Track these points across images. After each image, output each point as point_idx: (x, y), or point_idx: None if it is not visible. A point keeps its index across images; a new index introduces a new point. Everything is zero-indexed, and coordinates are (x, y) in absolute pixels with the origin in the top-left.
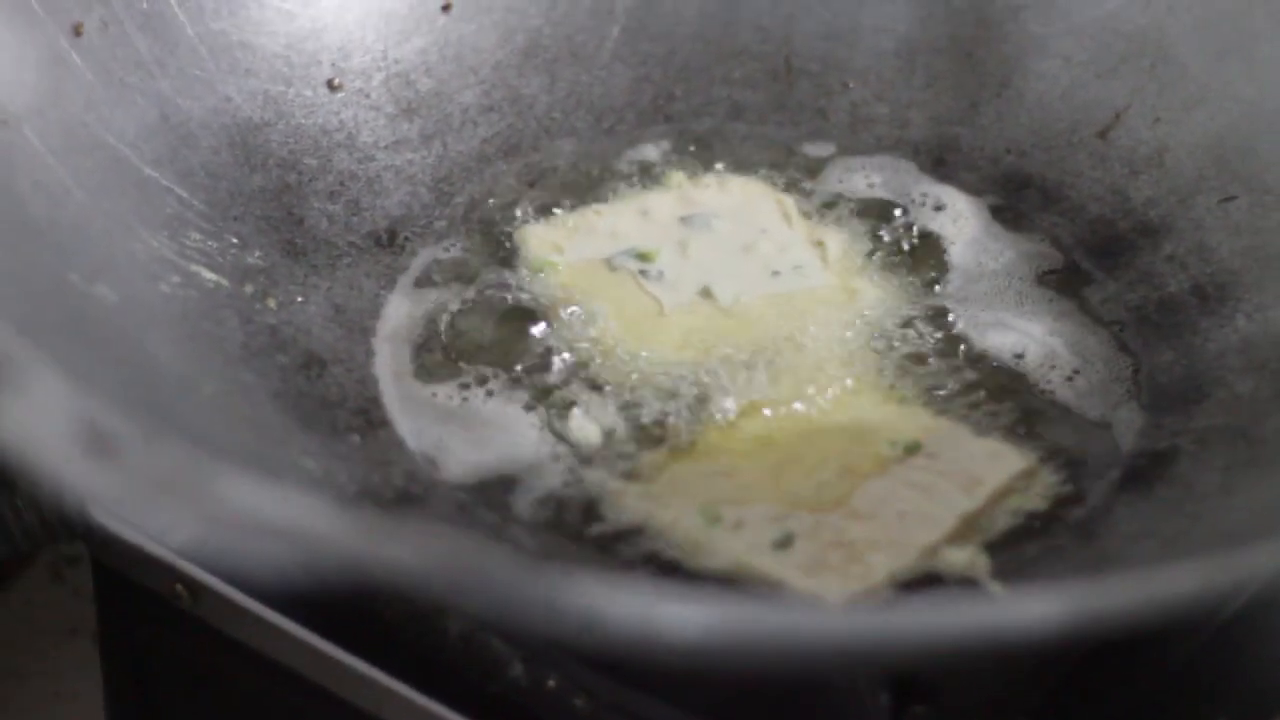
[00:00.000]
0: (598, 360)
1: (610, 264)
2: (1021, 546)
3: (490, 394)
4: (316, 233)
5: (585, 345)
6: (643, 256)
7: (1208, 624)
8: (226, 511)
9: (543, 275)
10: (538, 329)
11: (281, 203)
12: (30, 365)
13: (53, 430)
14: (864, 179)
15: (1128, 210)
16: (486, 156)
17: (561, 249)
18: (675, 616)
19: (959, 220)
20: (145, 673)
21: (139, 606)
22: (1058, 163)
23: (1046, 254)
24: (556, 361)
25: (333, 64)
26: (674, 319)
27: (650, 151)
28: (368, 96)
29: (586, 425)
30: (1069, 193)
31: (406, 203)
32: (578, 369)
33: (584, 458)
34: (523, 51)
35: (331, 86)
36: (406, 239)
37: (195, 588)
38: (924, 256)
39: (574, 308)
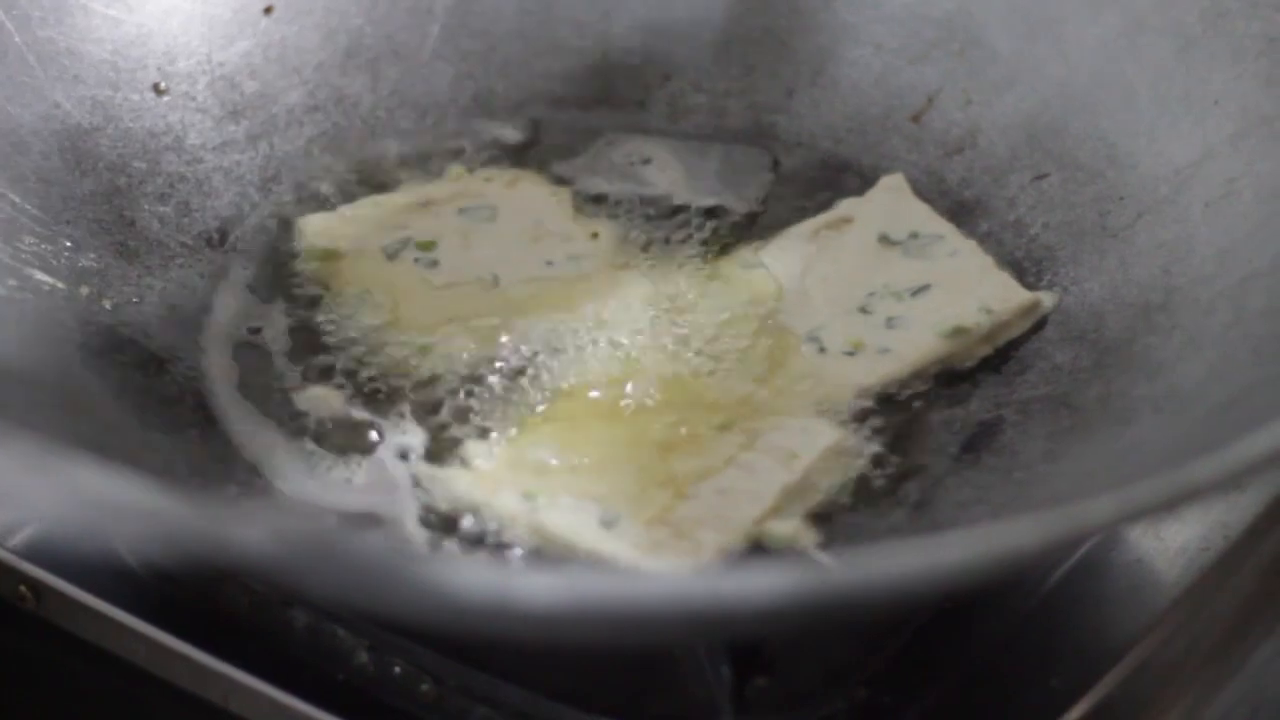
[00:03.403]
0: (377, 350)
1: (387, 253)
2: (849, 517)
3: (307, 388)
4: (148, 234)
5: (362, 335)
6: (421, 246)
7: (1035, 590)
8: (83, 497)
9: (319, 265)
10: (319, 320)
11: (113, 205)
12: None
13: None
14: (681, 167)
15: (943, 190)
16: (313, 155)
17: (340, 239)
18: (530, 587)
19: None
20: None
21: None
22: (874, 147)
23: None
24: (343, 356)
25: (159, 68)
26: (451, 307)
27: (477, 143)
28: (194, 99)
29: (394, 419)
30: (886, 176)
31: (236, 203)
32: (361, 359)
33: (400, 451)
34: (345, 51)
35: (158, 90)
36: (237, 238)
37: (39, 589)
38: (730, 243)
39: (352, 297)
